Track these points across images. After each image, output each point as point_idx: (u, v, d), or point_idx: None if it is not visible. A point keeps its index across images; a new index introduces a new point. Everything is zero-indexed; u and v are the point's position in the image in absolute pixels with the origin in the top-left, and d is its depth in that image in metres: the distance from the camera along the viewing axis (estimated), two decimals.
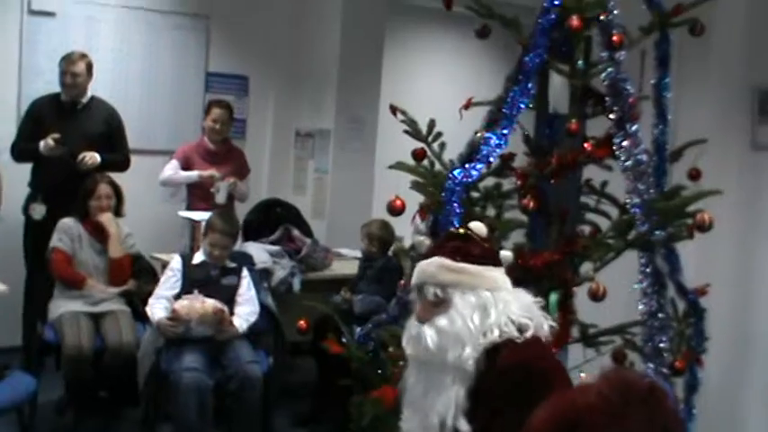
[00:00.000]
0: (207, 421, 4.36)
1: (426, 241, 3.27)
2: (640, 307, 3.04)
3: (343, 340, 3.74)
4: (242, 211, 6.02)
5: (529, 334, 2.37)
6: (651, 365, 2.99)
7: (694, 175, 3.54)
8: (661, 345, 2.99)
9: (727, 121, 4.06)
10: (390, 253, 5.36)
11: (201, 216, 5.23)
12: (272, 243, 5.49)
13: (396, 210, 3.29)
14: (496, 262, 2.48)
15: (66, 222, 5.03)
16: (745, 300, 4.01)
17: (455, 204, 2.96)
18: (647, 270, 3.04)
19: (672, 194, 3.24)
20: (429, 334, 2.39)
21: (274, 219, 5.82)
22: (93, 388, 4.98)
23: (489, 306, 2.38)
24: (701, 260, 3.63)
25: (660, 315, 3.01)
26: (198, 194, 5.99)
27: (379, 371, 3.44)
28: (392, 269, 5.25)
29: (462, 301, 2.39)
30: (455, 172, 3.04)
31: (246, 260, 4.98)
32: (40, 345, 4.95)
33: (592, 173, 3.53)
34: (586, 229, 3.53)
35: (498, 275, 2.45)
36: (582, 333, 3.30)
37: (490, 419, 2.31)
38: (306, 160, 7.02)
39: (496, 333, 2.35)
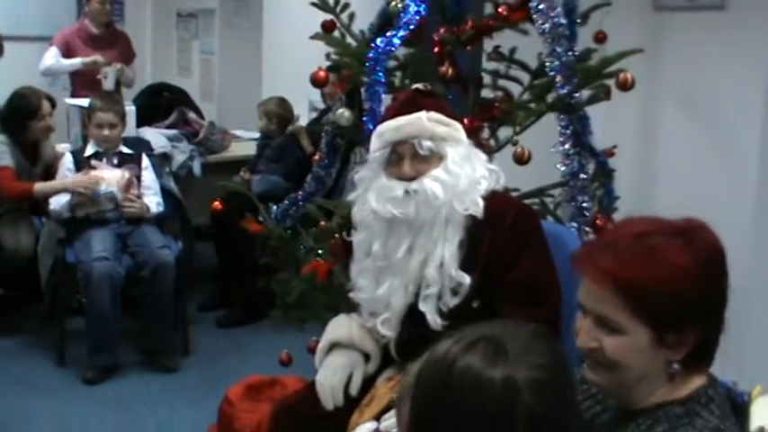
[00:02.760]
0: (119, 310, 4.30)
1: (346, 113, 3.23)
2: (562, 168, 3.09)
3: (260, 219, 3.70)
4: (128, 97, 5.81)
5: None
6: (574, 224, 3.07)
7: (601, 38, 3.56)
8: (584, 204, 3.06)
9: None
10: (288, 131, 5.30)
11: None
12: (168, 127, 5.34)
13: (319, 81, 3.23)
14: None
15: None
16: (649, 160, 4.14)
17: (380, 74, 2.92)
18: (568, 132, 3.08)
19: (584, 57, 3.28)
20: (432, 187, 2.33)
21: (165, 103, 5.65)
22: None
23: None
24: (608, 122, 3.70)
25: (582, 176, 3.07)
26: (82, 82, 5.76)
27: (302, 247, 3.43)
28: (290, 147, 5.20)
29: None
30: (377, 41, 2.99)
31: (144, 146, 4.83)
32: None
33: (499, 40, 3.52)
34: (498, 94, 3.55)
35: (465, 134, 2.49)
36: None
37: (502, 267, 2.35)
38: (189, 41, 6.82)
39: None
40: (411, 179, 2.36)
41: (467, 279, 2.33)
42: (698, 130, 3.99)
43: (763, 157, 3.81)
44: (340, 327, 2.60)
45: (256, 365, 3.94)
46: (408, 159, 2.38)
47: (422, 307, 2.37)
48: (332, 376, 2.48)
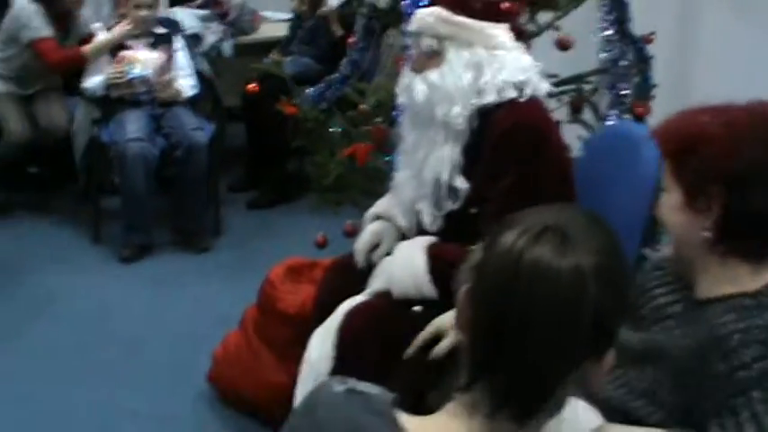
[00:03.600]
0: (153, 190, 4.35)
1: None
2: (603, 55, 3.06)
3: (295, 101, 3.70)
4: None
5: (527, 94, 2.32)
6: (615, 112, 3.06)
7: None
8: (623, 92, 3.04)
9: None
10: (319, 13, 5.23)
11: None
12: (199, 7, 5.27)
13: None
14: (499, 19, 2.40)
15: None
16: (688, 47, 4.08)
17: None
18: (611, 17, 3.04)
19: None
20: (420, 87, 2.34)
21: None
22: (21, 165, 4.89)
23: (484, 65, 2.31)
24: (646, 7, 3.63)
25: (622, 62, 3.04)
26: None
27: (338, 130, 3.44)
28: (323, 29, 5.14)
29: (456, 56, 2.32)
30: None
31: (175, 26, 4.78)
32: None
33: None
34: None
35: (499, 33, 2.36)
36: None
37: (491, 178, 2.31)
38: None
39: (493, 94, 2.30)
40: (417, 71, 2.37)
41: (463, 184, 2.33)
42: (737, 18, 3.91)
43: None
44: (384, 199, 2.65)
45: (288, 247, 4.00)
46: (417, 52, 2.38)
47: (418, 205, 2.41)
48: (360, 239, 2.59)
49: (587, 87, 3.43)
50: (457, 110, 2.30)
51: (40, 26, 4.55)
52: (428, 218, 2.39)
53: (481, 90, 2.30)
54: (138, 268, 4.28)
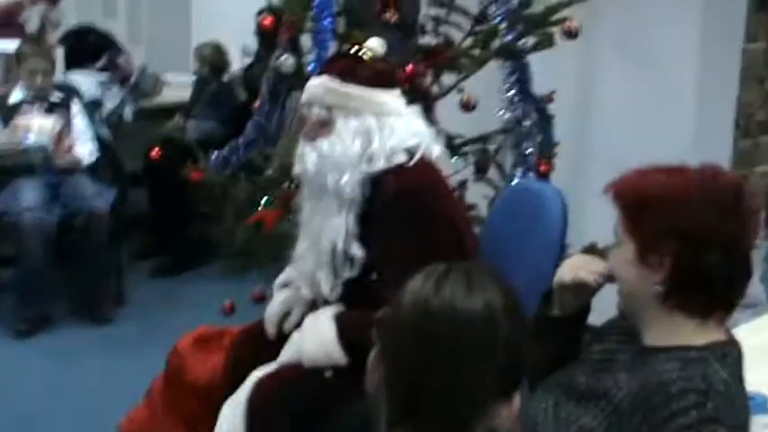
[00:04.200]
0: (51, 261, 4.20)
1: (290, 59, 3.18)
2: (506, 115, 3.10)
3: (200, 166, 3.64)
4: (53, 40, 5.62)
5: (417, 158, 2.31)
6: (519, 170, 3.09)
7: None
8: (528, 150, 3.08)
9: None
10: (225, 79, 5.21)
11: (11, 46, 4.84)
12: (99, 71, 5.19)
13: (266, 28, 3.16)
14: (389, 84, 2.38)
15: None
16: (587, 105, 4.17)
17: (328, 20, 2.87)
18: (512, 78, 3.09)
19: (526, 3, 3.28)
20: (310, 156, 2.34)
21: (92, 46, 5.47)
22: None
23: (373, 132, 2.30)
24: (546, 68, 3.71)
25: (525, 122, 3.09)
26: (3, 23, 5.52)
27: (244, 195, 3.39)
28: (226, 93, 5.11)
29: (345, 125, 2.31)
30: None
31: (74, 92, 4.69)
32: None
33: None
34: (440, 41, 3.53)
35: (388, 99, 2.35)
36: (448, 143, 3.34)
37: (383, 245, 2.29)
38: None
39: (382, 160, 2.29)
40: (309, 140, 2.37)
41: (358, 252, 2.32)
42: (634, 74, 4.02)
43: (699, 102, 3.88)
44: (291, 267, 2.61)
45: (195, 315, 3.90)
46: (310, 122, 2.37)
47: (318, 275, 2.39)
48: (270, 309, 2.55)
49: (492, 147, 3.46)
50: (346, 178, 2.29)
51: None
52: (326, 286, 2.37)
53: (371, 157, 2.29)
54: (35, 343, 4.11)
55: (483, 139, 3.39)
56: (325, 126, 2.33)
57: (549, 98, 3.56)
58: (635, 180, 1.62)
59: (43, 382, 3.73)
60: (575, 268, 1.75)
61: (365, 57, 2.38)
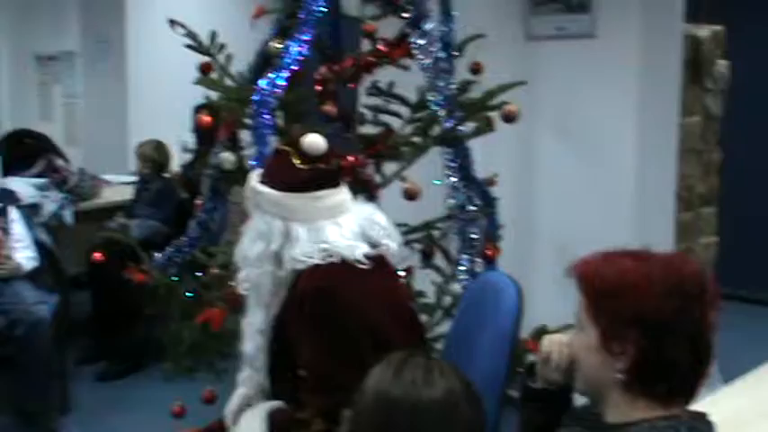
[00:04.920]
0: None
1: (231, 157, 3.17)
2: (450, 201, 3.12)
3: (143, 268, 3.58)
4: None
5: (333, 260, 2.26)
6: (466, 256, 3.09)
7: (476, 69, 3.62)
8: (473, 236, 3.09)
9: (502, 13, 4.19)
10: (168, 175, 5.18)
11: None
12: (36, 176, 5.13)
13: (204, 125, 3.15)
14: (309, 187, 2.30)
15: None
16: (529, 186, 4.22)
17: (267, 116, 2.87)
18: (454, 165, 3.11)
19: (463, 89, 3.32)
20: (237, 250, 2.39)
21: (28, 150, 5.42)
22: None
23: (274, 236, 2.27)
24: (486, 151, 3.75)
25: (470, 207, 3.10)
26: None
27: (189, 295, 3.34)
28: (168, 191, 5.08)
29: (254, 225, 2.33)
30: (261, 83, 2.94)
31: (11, 197, 4.61)
32: None
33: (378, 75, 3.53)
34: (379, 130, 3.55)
35: (299, 204, 2.29)
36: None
37: (297, 347, 2.27)
38: (50, 85, 6.59)
39: (288, 263, 2.27)
40: None
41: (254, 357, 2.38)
42: (574, 155, 4.10)
43: (639, 178, 3.94)
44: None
45: (143, 420, 3.81)
46: None
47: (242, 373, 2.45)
48: (229, 405, 2.50)
49: (436, 233, 3.46)
50: (244, 274, 2.34)
51: None
52: (245, 382, 2.41)
53: (276, 259, 2.29)
54: None
55: (427, 226, 3.39)
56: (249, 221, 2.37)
57: (491, 181, 3.59)
58: (599, 265, 1.61)
59: None
60: (551, 344, 1.75)
61: (291, 156, 2.33)
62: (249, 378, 2.45)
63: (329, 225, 2.31)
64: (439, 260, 3.53)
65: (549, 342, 1.78)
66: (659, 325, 1.52)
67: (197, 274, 3.33)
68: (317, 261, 2.24)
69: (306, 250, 2.25)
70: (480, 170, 3.51)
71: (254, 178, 2.36)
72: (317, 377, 2.23)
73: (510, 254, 3.65)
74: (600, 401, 1.63)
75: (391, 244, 2.39)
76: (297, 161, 2.32)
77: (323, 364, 2.21)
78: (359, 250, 2.30)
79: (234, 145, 3.25)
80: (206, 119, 3.14)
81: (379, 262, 2.36)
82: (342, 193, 2.39)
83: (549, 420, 1.76)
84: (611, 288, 1.56)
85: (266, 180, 2.33)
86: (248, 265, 2.31)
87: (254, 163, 2.85)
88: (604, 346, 1.56)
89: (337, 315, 2.22)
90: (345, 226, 2.33)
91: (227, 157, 3.15)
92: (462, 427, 1.24)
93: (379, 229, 2.41)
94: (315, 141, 2.34)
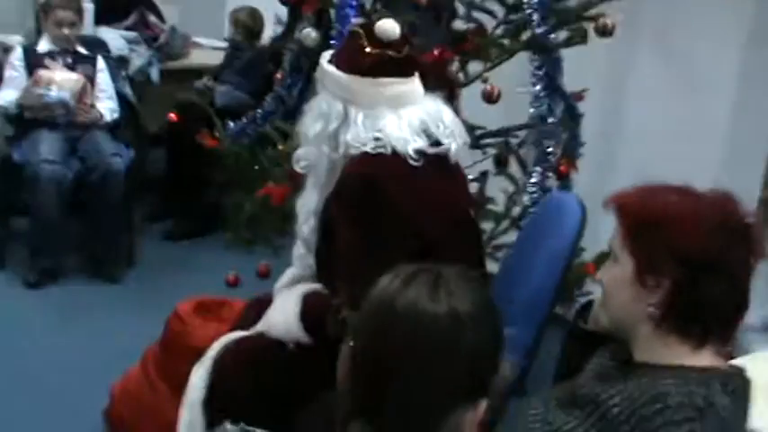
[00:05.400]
0: (65, 214, 4.18)
1: (313, 33, 3.12)
2: (531, 110, 3.03)
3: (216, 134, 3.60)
4: None
5: (385, 151, 2.21)
6: (538, 169, 3.02)
7: None
8: (549, 149, 3.01)
9: None
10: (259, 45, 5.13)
11: None
12: (127, 29, 5.14)
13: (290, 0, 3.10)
14: (373, 73, 2.24)
15: None
16: (618, 105, 4.07)
17: None
18: (540, 73, 3.01)
19: None
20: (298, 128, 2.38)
21: (124, 2, 5.43)
22: None
23: (333, 118, 2.24)
24: (577, 64, 3.61)
25: (550, 119, 3.01)
26: None
27: (257, 168, 3.35)
28: (259, 62, 5.03)
29: (317, 104, 2.30)
30: None
31: (101, 47, 4.65)
32: None
33: None
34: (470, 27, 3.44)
35: (361, 88, 2.24)
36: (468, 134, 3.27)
37: (335, 233, 2.26)
38: None
39: (343, 147, 2.24)
40: None
41: (311, 234, 2.36)
42: (669, 79, 3.90)
43: (734, 116, 3.75)
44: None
45: (202, 283, 3.87)
46: None
47: (294, 249, 2.47)
48: (279, 282, 2.56)
49: (514, 141, 3.39)
50: (301, 152, 2.33)
51: None
52: (297, 261, 2.43)
53: (333, 142, 2.26)
54: (43, 294, 4.09)
55: (505, 132, 3.31)
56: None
57: (579, 96, 3.47)
58: (643, 197, 1.55)
59: (45, 336, 3.71)
60: None
61: (362, 41, 2.26)
62: (302, 258, 2.47)
63: (389, 114, 2.25)
64: (514, 169, 3.46)
65: None
66: (701, 262, 1.47)
67: (267, 148, 3.33)
68: (368, 149, 2.21)
69: (360, 136, 2.21)
70: (569, 83, 3.40)
71: (325, 57, 2.33)
72: (348, 265, 2.21)
73: (588, 173, 3.56)
74: (629, 339, 1.59)
75: (453, 144, 2.30)
76: (366, 45, 2.26)
77: (354, 253, 2.19)
78: (413, 145, 2.23)
79: (319, 22, 3.19)
80: None
81: (438, 161, 2.29)
82: (409, 84, 2.32)
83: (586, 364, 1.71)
84: (653, 219, 1.51)
85: (334, 60, 2.30)
86: (306, 143, 2.30)
87: (334, 42, 2.80)
88: (639, 278, 1.52)
89: (374, 205, 2.18)
90: (405, 118, 2.26)
91: (308, 33, 3.10)
92: (464, 350, 1.21)
93: (444, 127, 2.33)
94: (388, 27, 2.27)
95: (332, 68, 2.26)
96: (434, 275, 1.24)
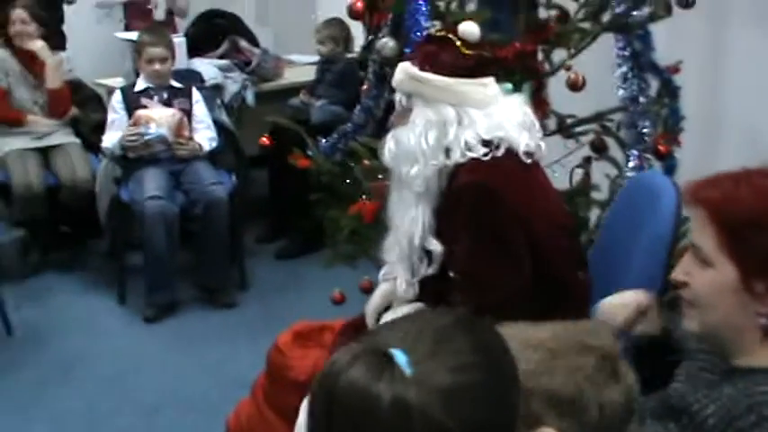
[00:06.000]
0: (175, 246, 4.27)
1: (390, 43, 3.07)
2: (620, 92, 2.91)
3: (309, 153, 3.59)
4: (181, 27, 5.75)
5: (498, 153, 2.17)
6: (635, 151, 2.89)
7: None
8: (644, 130, 2.88)
9: None
10: (351, 56, 5.12)
11: None
12: (220, 57, 5.22)
13: (356, 13, 3.06)
14: (474, 73, 2.23)
15: None
16: (716, 76, 3.89)
17: (421, 2, 2.74)
18: (626, 53, 2.88)
19: None
20: (389, 144, 2.27)
21: (218, 31, 5.52)
22: (52, 224, 4.86)
23: (449, 123, 2.19)
24: (671, 36, 3.46)
25: (641, 99, 2.88)
26: (135, 13, 5.67)
27: (351, 183, 3.32)
28: (351, 73, 5.02)
29: (421, 114, 2.21)
30: None
31: (195, 78, 4.73)
32: None
33: None
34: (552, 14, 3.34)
35: (470, 89, 2.21)
36: (559, 124, 3.17)
37: (451, 244, 2.20)
38: None
39: (457, 153, 2.18)
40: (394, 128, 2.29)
41: (435, 248, 2.22)
42: None
43: None
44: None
45: (311, 301, 3.90)
46: (396, 109, 2.29)
47: (394, 270, 2.33)
48: (370, 303, 2.52)
49: (611, 125, 3.26)
50: (416, 170, 2.19)
51: None
52: (401, 285, 2.31)
53: (446, 150, 2.18)
54: (160, 328, 4.19)
55: (597, 117, 3.19)
56: (405, 114, 2.24)
57: (675, 69, 3.32)
58: (733, 189, 1.38)
59: (164, 369, 3.80)
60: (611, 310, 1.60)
61: (454, 42, 2.25)
62: (400, 274, 2.38)
63: (499, 113, 2.23)
64: (617, 153, 3.34)
65: (607, 309, 1.60)
66: None
67: (358, 162, 3.30)
68: (481, 151, 2.16)
69: (476, 138, 2.16)
70: (664, 57, 3.25)
71: (409, 67, 2.26)
72: (470, 276, 2.16)
73: (692, 148, 3.40)
74: (727, 346, 1.44)
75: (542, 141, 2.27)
76: (461, 47, 2.24)
77: (477, 262, 2.15)
78: (526, 142, 2.21)
79: (396, 31, 3.14)
80: (358, 5, 3.04)
81: (535, 157, 2.27)
82: (494, 83, 2.30)
83: (653, 373, 1.57)
84: (755, 216, 1.34)
85: (429, 67, 2.23)
86: (414, 160, 2.20)
87: (408, 50, 2.75)
88: (745, 286, 1.36)
89: (494, 214, 2.14)
90: (513, 116, 2.24)
91: (386, 43, 3.06)
92: None
93: (532, 122, 2.29)
94: (470, 29, 2.26)
95: (433, 75, 2.20)
96: (381, 353, 1.03)
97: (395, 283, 2.47)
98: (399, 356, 1.02)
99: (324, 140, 3.57)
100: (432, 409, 0.99)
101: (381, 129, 3.81)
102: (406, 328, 1.07)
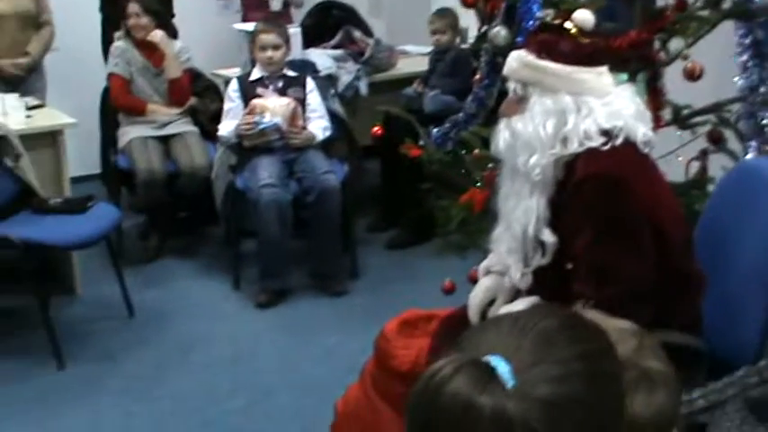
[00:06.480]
0: (288, 234, 4.35)
1: (503, 32, 3.06)
2: (740, 82, 2.83)
3: (420, 143, 3.61)
4: (297, 18, 5.83)
5: (617, 142, 2.14)
6: (754, 143, 2.81)
7: None
8: (764, 121, 2.79)
9: None
10: (464, 45, 5.11)
11: None
12: (334, 47, 5.29)
13: (469, 2, 3.06)
14: (592, 61, 2.20)
15: (119, 46, 4.89)
16: None
17: None
18: (746, 41, 2.80)
19: None
20: (503, 134, 2.24)
21: (333, 21, 5.59)
22: (171, 210, 5.01)
23: (568, 112, 2.15)
24: None
25: (762, 89, 2.79)
26: (252, 4, 5.77)
27: (462, 172, 3.32)
28: (464, 61, 5.00)
29: (539, 103, 2.18)
30: None
31: (309, 68, 4.81)
32: (115, 173, 4.95)
33: None
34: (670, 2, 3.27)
35: (588, 78, 2.18)
36: (675, 115, 3.10)
37: (572, 236, 2.16)
38: None
39: (575, 143, 2.14)
40: (506, 117, 2.25)
41: (549, 238, 2.18)
42: None
43: None
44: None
45: (421, 290, 3.90)
46: (508, 98, 2.25)
47: (507, 260, 2.28)
48: (473, 296, 2.49)
49: (729, 116, 3.17)
50: (535, 159, 2.16)
51: (115, 62, 4.87)
52: (516, 274, 2.27)
53: (564, 139, 2.14)
54: (273, 314, 4.28)
55: (715, 108, 3.11)
56: (520, 103, 2.21)
57: None
58: None
59: (277, 354, 3.88)
60: None
61: (570, 30, 2.22)
62: (513, 264, 2.33)
63: (619, 101, 2.20)
64: (733, 144, 3.25)
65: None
66: None
67: (470, 151, 3.30)
68: (599, 141, 2.13)
69: (595, 127, 2.14)
70: None
71: (525, 55, 2.24)
72: (593, 267, 2.13)
73: None
74: None
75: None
76: (578, 36, 2.21)
77: (601, 253, 2.11)
78: (643, 131, 2.18)
79: (509, 19, 3.13)
80: None
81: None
82: (607, 72, 2.26)
83: None
84: None
85: (546, 55, 2.21)
86: (532, 149, 2.17)
87: (520, 39, 2.73)
88: None
89: (621, 205, 2.11)
90: (631, 105, 2.22)
91: (498, 32, 3.05)
92: None
93: (645, 111, 2.27)
94: (585, 17, 2.23)
95: (551, 63, 2.18)
96: (484, 364, 1.04)
97: (497, 278, 2.46)
98: (501, 366, 1.02)
99: (435, 130, 3.58)
100: (533, 421, 0.99)
101: (493, 118, 3.82)
102: (508, 332, 1.07)
